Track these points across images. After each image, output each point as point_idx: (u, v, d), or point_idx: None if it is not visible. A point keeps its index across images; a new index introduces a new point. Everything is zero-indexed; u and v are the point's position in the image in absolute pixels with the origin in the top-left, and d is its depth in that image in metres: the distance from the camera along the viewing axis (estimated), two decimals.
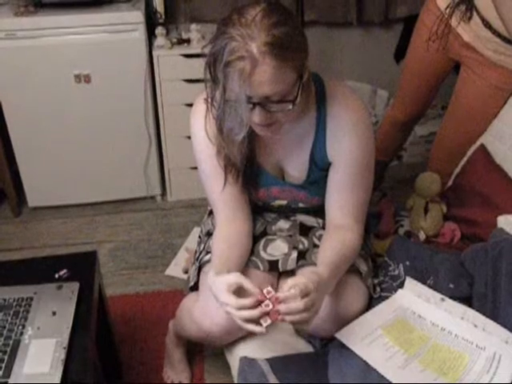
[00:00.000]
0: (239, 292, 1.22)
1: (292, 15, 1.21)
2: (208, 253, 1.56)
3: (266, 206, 1.58)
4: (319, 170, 1.44)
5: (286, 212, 1.62)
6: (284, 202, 1.56)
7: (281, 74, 1.14)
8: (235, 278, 1.22)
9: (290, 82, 1.17)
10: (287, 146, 1.43)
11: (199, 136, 1.41)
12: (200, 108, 1.39)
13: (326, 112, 1.37)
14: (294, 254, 1.51)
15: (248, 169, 1.43)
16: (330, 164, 1.42)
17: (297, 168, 1.46)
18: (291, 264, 1.49)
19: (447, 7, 1.80)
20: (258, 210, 1.61)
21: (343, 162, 1.39)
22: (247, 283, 1.21)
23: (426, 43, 1.93)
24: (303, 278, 1.20)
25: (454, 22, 1.82)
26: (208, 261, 1.53)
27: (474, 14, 1.73)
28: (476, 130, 1.89)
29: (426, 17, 1.94)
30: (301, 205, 1.56)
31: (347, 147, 1.37)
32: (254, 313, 1.17)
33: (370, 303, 1.47)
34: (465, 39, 1.83)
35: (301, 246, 1.53)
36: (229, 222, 1.48)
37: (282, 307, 1.15)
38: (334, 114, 1.36)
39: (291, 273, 1.51)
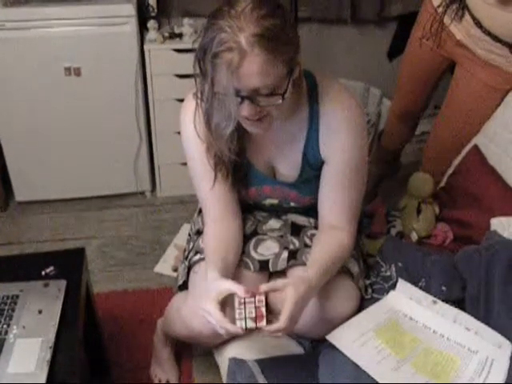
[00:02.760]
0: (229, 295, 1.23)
1: (283, 9, 1.19)
2: (197, 252, 1.53)
3: (257, 205, 1.57)
4: (312, 168, 1.42)
5: (277, 211, 1.60)
6: (275, 201, 1.54)
7: (270, 66, 1.12)
8: (229, 285, 1.22)
9: (280, 75, 1.15)
10: (279, 145, 1.41)
11: (188, 132, 1.39)
12: (189, 104, 1.36)
13: (319, 110, 1.35)
14: (285, 254, 1.49)
15: (238, 167, 1.41)
16: (322, 163, 1.40)
17: (288, 166, 1.44)
18: (282, 264, 1.48)
19: (439, 5, 1.81)
20: (249, 209, 1.59)
21: (336, 160, 1.38)
22: (240, 291, 1.20)
23: (420, 41, 1.94)
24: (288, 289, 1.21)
25: (447, 20, 1.82)
26: (197, 261, 1.51)
27: (466, 12, 1.75)
28: (469, 130, 1.89)
29: (423, 15, 1.94)
30: (292, 204, 1.54)
31: (340, 146, 1.36)
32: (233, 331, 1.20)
33: (362, 304, 1.46)
34: (457, 37, 1.84)
35: (292, 247, 1.52)
36: (218, 221, 1.46)
37: (264, 328, 1.19)
38: (327, 112, 1.34)
39: (282, 273, 1.49)
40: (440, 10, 1.82)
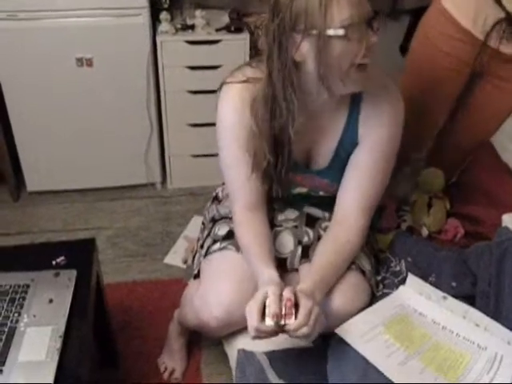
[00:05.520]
0: None
1: None
2: (215, 241, 1.52)
3: (284, 195, 1.51)
4: (346, 153, 1.42)
5: (297, 203, 1.59)
6: (304, 190, 1.53)
7: None
8: (271, 297, 1.20)
9: None
10: (319, 130, 1.40)
11: (230, 120, 1.37)
12: (235, 92, 1.34)
13: (362, 93, 1.35)
14: (299, 251, 1.49)
15: (278, 155, 1.39)
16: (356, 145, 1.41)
17: (325, 152, 1.44)
18: (297, 262, 1.49)
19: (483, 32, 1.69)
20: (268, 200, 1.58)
21: (370, 144, 1.38)
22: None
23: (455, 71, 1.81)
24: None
25: (492, 43, 1.70)
26: (216, 250, 1.49)
27: None
28: (490, 133, 1.87)
29: (446, 45, 1.78)
30: (321, 193, 1.53)
31: (378, 130, 1.36)
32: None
33: (372, 301, 1.45)
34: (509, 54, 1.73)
35: (306, 239, 1.52)
36: (252, 210, 1.44)
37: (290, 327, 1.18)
38: (370, 97, 1.35)
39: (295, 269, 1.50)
40: (482, 36, 1.69)
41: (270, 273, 1.30)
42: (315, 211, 1.59)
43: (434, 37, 1.80)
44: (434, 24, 1.80)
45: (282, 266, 1.48)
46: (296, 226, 1.55)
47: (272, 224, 1.54)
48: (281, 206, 1.60)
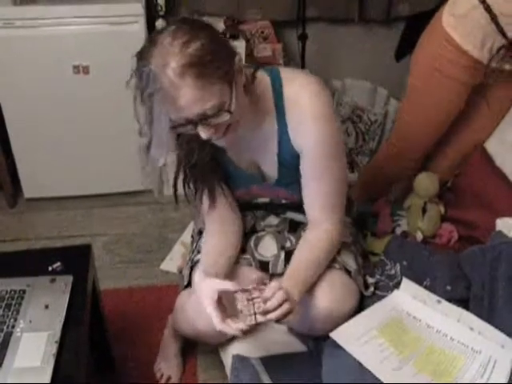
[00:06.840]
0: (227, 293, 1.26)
1: (203, 26, 1.18)
2: (199, 252, 1.55)
3: (250, 204, 1.57)
4: (290, 164, 1.40)
5: (273, 209, 1.61)
6: (267, 200, 1.55)
7: (205, 90, 1.12)
8: (220, 285, 1.24)
9: (220, 93, 1.14)
10: (255, 147, 1.40)
11: None
12: None
13: (284, 103, 1.33)
14: (282, 256, 1.52)
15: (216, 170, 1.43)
16: (298, 156, 1.38)
17: (270, 166, 1.44)
18: (280, 267, 1.51)
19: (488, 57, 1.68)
20: (248, 207, 1.60)
21: (308, 150, 1.35)
22: (234, 286, 1.23)
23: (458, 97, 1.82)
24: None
25: (494, 63, 1.69)
26: (199, 260, 1.52)
27: None
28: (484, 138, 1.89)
29: (458, 72, 1.76)
30: (284, 201, 1.54)
31: (308, 134, 1.33)
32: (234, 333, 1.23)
33: (363, 301, 1.47)
34: None
35: (288, 244, 1.54)
36: (215, 222, 1.49)
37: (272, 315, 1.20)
38: (291, 104, 1.32)
39: (282, 274, 1.51)
40: (486, 61, 1.69)
41: (198, 275, 1.37)
42: (298, 216, 1.60)
43: (442, 65, 1.77)
44: (441, 53, 1.76)
45: (265, 270, 1.51)
46: (279, 232, 1.57)
47: (255, 231, 1.58)
48: (262, 213, 1.62)
